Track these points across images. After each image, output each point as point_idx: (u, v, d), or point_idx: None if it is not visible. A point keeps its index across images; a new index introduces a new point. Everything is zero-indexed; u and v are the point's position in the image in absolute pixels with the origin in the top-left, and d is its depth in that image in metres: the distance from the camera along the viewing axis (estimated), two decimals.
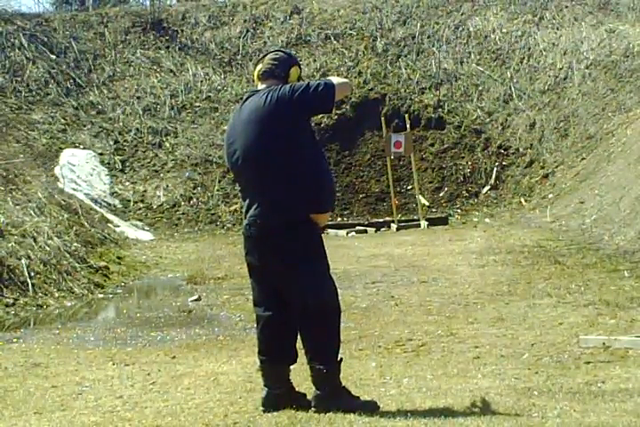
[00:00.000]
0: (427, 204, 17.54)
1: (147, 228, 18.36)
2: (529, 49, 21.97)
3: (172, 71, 22.65)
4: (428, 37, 22.84)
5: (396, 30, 23.14)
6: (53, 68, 22.08)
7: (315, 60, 22.52)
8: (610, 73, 20.24)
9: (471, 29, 22.80)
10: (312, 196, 5.20)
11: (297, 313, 5.18)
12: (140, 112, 21.38)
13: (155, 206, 19.17)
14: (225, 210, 19.19)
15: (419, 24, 23.16)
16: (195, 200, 19.45)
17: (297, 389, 5.34)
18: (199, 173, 20.04)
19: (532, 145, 19.99)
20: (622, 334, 7.09)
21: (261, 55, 5.57)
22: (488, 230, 16.07)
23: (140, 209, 19.09)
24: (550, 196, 18.00)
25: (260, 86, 5.36)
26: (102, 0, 26.45)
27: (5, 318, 9.87)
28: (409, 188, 19.70)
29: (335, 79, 5.33)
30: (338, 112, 20.70)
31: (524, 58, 21.84)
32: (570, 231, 14.62)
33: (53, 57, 22.39)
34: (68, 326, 9.38)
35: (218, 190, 19.57)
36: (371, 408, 5.13)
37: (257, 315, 5.38)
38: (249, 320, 8.68)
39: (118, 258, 13.88)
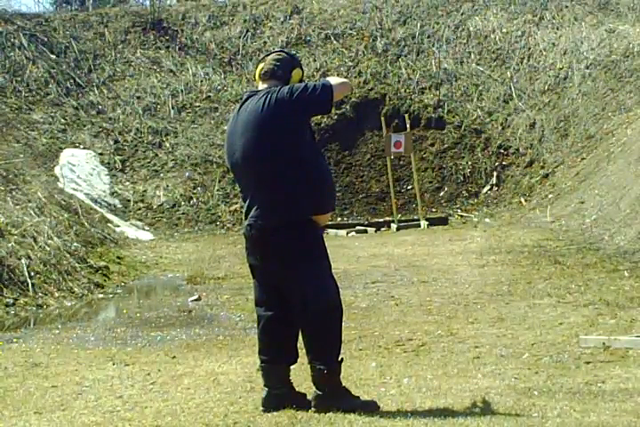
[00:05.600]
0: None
1: (147, 228, 18.36)
2: (529, 49, 21.96)
3: (172, 71, 22.65)
4: (428, 37, 22.84)
5: (396, 30, 23.13)
6: (53, 68, 22.08)
7: (315, 60, 22.51)
8: (610, 73, 20.24)
9: (471, 29, 22.80)
10: (313, 196, 5.20)
11: (298, 313, 5.18)
12: (140, 112, 21.38)
13: (155, 206, 19.17)
14: (225, 210, 19.19)
15: (419, 24, 23.16)
16: (195, 200, 19.45)
17: (297, 389, 5.34)
18: (199, 173, 20.03)
19: (532, 145, 19.98)
20: (622, 334, 7.09)
21: (264, 54, 5.58)
22: (488, 230, 16.07)
23: (139, 209, 19.08)
24: (550, 196, 18.00)
25: (261, 86, 5.36)
26: (102, 0, 26.45)
27: (5, 318, 9.87)
28: (409, 188, 19.70)
29: (333, 79, 5.34)
30: (338, 112, 20.70)
31: (523, 58, 21.84)
32: (570, 231, 14.62)
33: (53, 57, 22.39)
34: (68, 326, 9.38)
35: (218, 190, 19.57)
36: (371, 408, 5.13)
37: (258, 315, 5.38)
38: (249, 320, 8.69)
39: (118, 258, 13.88)
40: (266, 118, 5.16)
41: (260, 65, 5.40)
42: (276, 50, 5.55)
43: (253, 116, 5.20)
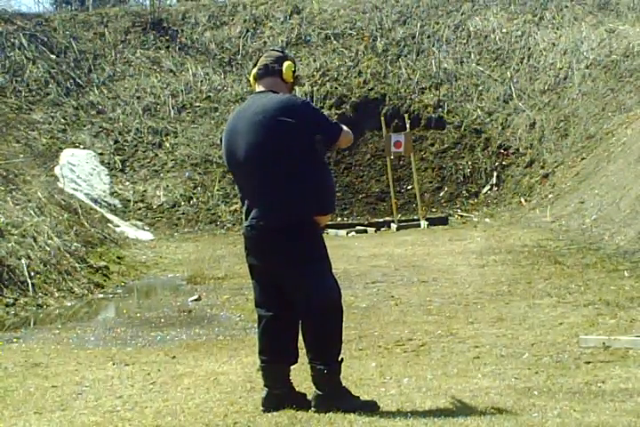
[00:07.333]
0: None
1: (147, 228, 18.36)
2: (529, 49, 21.96)
3: (172, 71, 22.66)
4: (428, 37, 22.84)
5: (396, 30, 23.14)
6: (53, 68, 22.08)
7: (315, 60, 22.52)
8: (610, 73, 20.24)
9: (471, 29, 22.80)
10: (314, 197, 5.20)
11: (299, 313, 5.18)
12: (140, 112, 21.38)
13: (155, 206, 19.17)
14: (225, 210, 19.19)
15: (419, 24, 23.16)
16: (195, 200, 19.45)
17: (297, 389, 5.34)
18: (199, 173, 20.04)
19: (531, 145, 19.99)
20: (622, 334, 7.09)
21: (255, 59, 5.62)
22: (488, 230, 16.07)
23: (139, 209, 19.09)
24: (550, 196, 17.99)
25: (258, 88, 5.38)
26: (102, 0, 26.46)
27: (5, 318, 9.87)
28: (409, 188, 19.70)
29: (344, 127, 5.41)
30: (338, 112, 20.71)
31: (523, 58, 21.84)
32: (570, 231, 14.61)
33: (53, 57, 22.39)
34: (68, 326, 9.38)
35: (218, 190, 19.57)
36: (371, 408, 5.13)
37: (258, 315, 5.38)
38: (249, 320, 8.69)
39: (118, 258, 13.88)
40: (270, 120, 5.16)
41: (254, 69, 5.44)
42: (266, 50, 5.60)
43: (257, 118, 5.20)
